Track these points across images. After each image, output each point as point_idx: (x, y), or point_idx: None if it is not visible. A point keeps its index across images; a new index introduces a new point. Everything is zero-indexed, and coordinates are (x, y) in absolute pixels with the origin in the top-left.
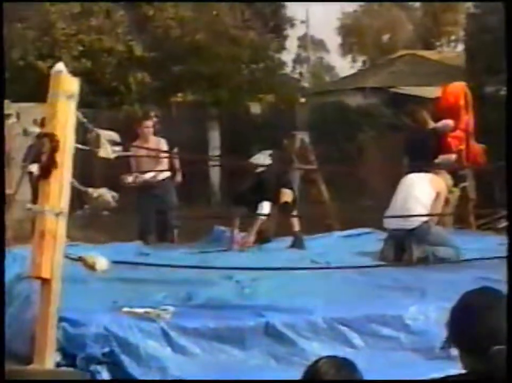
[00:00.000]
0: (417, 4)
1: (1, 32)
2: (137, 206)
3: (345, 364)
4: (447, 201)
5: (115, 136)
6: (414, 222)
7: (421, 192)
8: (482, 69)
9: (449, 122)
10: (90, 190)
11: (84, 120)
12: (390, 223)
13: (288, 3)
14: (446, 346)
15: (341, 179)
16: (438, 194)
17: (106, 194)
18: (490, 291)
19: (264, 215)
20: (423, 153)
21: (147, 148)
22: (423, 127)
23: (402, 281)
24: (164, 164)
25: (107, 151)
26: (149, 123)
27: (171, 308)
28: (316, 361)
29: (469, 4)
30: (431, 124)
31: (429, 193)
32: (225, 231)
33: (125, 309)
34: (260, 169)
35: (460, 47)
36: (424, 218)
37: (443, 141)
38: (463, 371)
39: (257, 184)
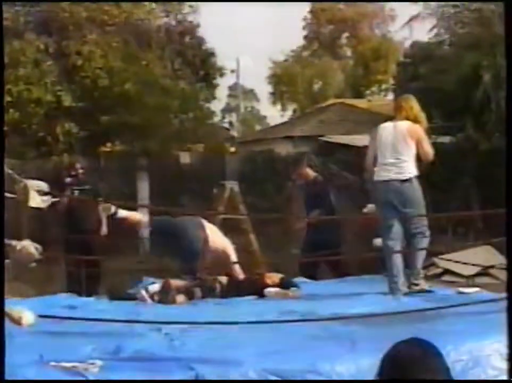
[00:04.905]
0: (348, 53)
1: (1, 33)
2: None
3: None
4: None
5: (43, 185)
6: (406, 174)
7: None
8: None
9: None
10: (14, 242)
11: (10, 171)
12: (380, 176)
13: (218, 53)
14: None
15: (270, 228)
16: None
17: (30, 246)
18: (421, 342)
19: None
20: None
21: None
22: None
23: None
24: None
25: (36, 200)
26: None
27: (99, 362)
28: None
29: (398, 53)
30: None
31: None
32: (155, 282)
33: (52, 363)
34: None
35: (391, 96)
36: (414, 172)
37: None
38: None
39: None
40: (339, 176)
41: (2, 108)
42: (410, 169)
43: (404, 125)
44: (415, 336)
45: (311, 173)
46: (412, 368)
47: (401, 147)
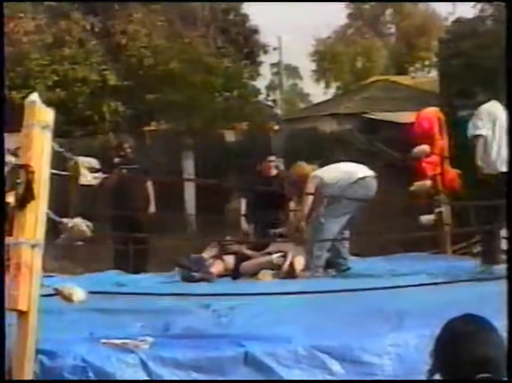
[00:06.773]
0: (392, 30)
1: (2, 33)
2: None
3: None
4: None
5: (94, 162)
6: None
7: None
8: (455, 93)
9: (425, 147)
10: (65, 220)
11: (61, 149)
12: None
13: (261, 30)
14: (431, 374)
15: None
16: None
17: (81, 224)
18: (475, 318)
19: None
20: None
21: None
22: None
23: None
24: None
25: (87, 178)
26: None
27: (149, 339)
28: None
29: (442, 29)
30: None
31: None
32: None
33: (103, 340)
34: None
35: (434, 72)
36: None
37: (418, 167)
38: None
39: None
40: (385, 154)
41: (3, 107)
42: None
43: None
44: (469, 313)
45: None
46: (468, 344)
47: None
